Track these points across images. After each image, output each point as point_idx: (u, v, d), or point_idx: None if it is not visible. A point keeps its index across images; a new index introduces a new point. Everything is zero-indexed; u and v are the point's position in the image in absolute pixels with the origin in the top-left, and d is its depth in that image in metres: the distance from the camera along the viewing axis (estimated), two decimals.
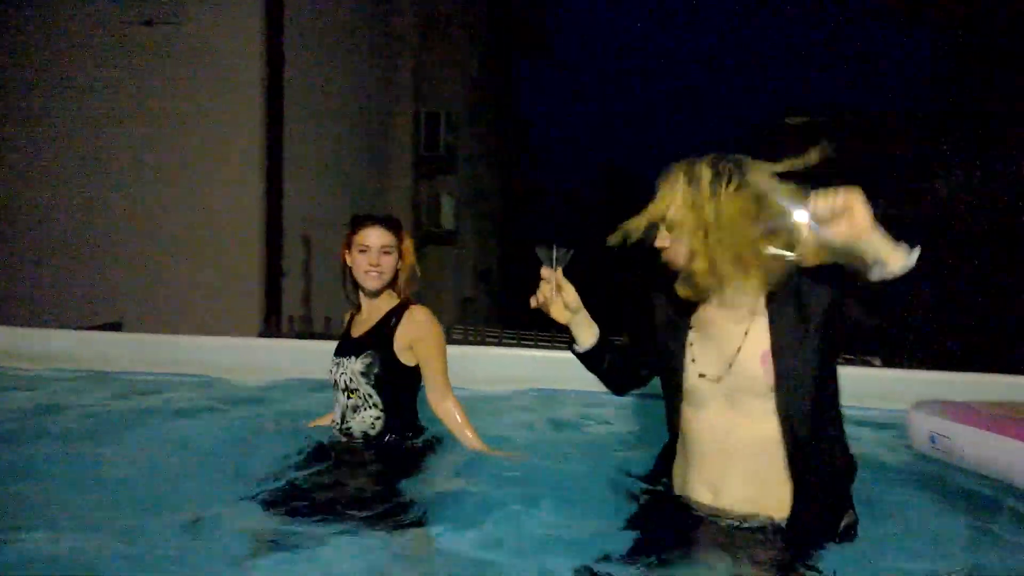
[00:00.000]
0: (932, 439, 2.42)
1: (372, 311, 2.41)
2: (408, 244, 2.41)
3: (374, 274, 2.32)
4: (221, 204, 7.83)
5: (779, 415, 1.69)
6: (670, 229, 1.74)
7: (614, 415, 3.24)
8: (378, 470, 2.22)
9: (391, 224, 2.38)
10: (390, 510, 1.96)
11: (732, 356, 1.73)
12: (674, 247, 1.74)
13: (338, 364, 2.38)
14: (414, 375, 2.38)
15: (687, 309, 1.84)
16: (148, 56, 7.75)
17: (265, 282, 7.97)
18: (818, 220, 1.54)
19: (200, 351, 3.95)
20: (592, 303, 1.95)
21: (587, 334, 1.94)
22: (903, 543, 1.85)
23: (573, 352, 1.98)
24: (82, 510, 1.99)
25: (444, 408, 2.38)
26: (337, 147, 10.57)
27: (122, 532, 1.83)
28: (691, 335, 1.83)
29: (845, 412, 3.23)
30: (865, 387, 3.41)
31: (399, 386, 2.37)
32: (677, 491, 1.86)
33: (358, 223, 2.36)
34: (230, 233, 7.85)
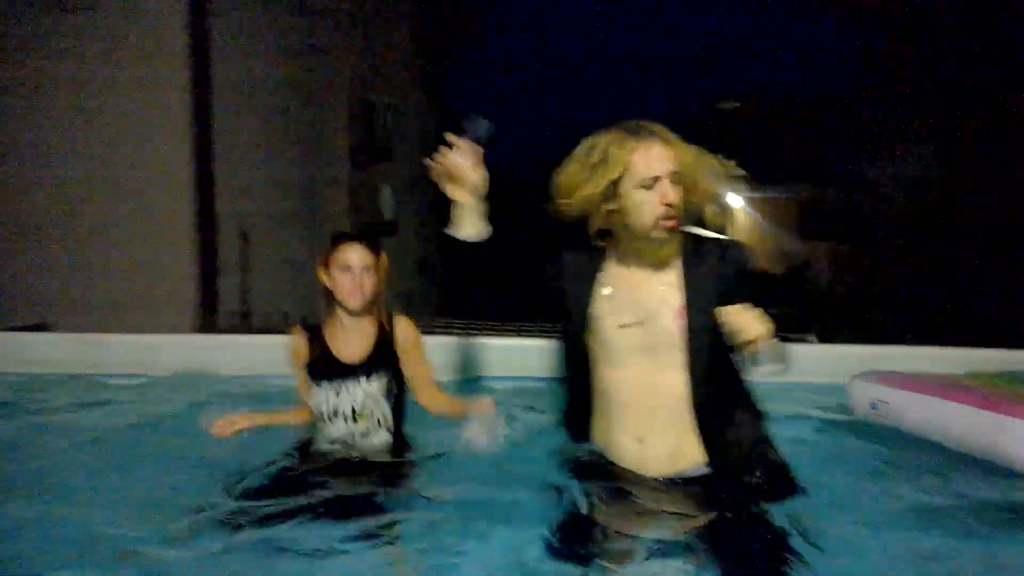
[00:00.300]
0: (872, 405, 2.58)
1: (357, 330, 2.37)
2: (383, 260, 2.40)
3: (358, 294, 2.30)
4: (150, 199, 7.56)
5: (687, 369, 1.80)
6: (677, 182, 1.79)
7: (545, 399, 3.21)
8: (389, 489, 2.12)
9: (372, 242, 2.37)
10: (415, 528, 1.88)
11: (650, 310, 1.82)
12: (677, 200, 1.79)
13: (339, 390, 2.30)
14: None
15: (596, 266, 1.91)
16: (66, 43, 7.41)
17: (200, 277, 7.76)
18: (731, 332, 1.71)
19: (136, 350, 3.82)
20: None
21: (472, 225, 1.88)
22: (844, 499, 1.96)
23: (447, 232, 1.92)
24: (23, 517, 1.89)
25: (437, 401, 2.43)
26: (270, 137, 10.32)
27: (66, 540, 1.76)
28: (605, 290, 1.88)
29: (786, 387, 3.39)
30: (802, 362, 3.63)
31: (402, 401, 2.40)
32: (601, 447, 1.92)
33: (339, 241, 2.34)
34: (161, 228, 7.60)
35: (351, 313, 2.35)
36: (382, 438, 2.32)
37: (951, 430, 2.22)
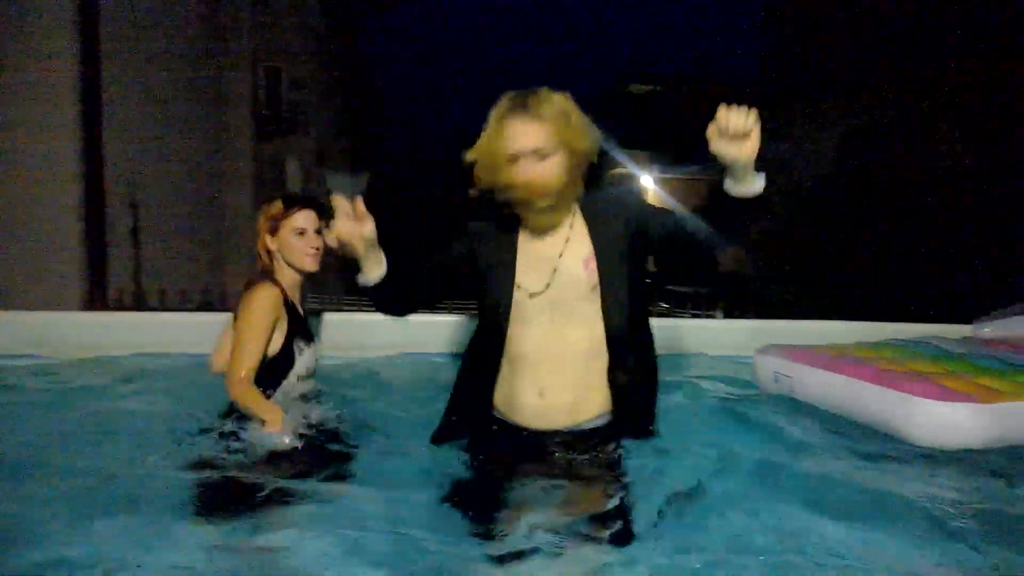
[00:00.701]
0: (775, 378, 2.64)
1: (298, 290, 2.41)
2: (324, 224, 2.36)
3: (314, 255, 2.32)
4: (34, 173, 7.06)
5: (603, 315, 1.86)
6: (542, 156, 1.78)
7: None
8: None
9: (321, 207, 2.38)
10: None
11: (554, 266, 1.86)
12: (545, 174, 1.79)
13: (313, 349, 2.38)
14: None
15: (511, 239, 1.93)
16: None
17: (86, 251, 7.30)
18: (724, 133, 1.65)
19: (22, 327, 3.54)
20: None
21: (377, 264, 1.86)
22: (743, 467, 1.98)
23: (360, 284, 1.89)
24: None
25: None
26: (168, 107, 9.78)
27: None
28: (517, 258, 1.91)
29: (693, 359, 3.47)
30: (709, 336, 3.79)
31: None
32: (501, 403, 1.95)
33: (293, 204, 2.34)
34: (47, 203, 7.10)
35: (303, 276, 2.38)
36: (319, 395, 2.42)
37: (849, 404, 2.33)
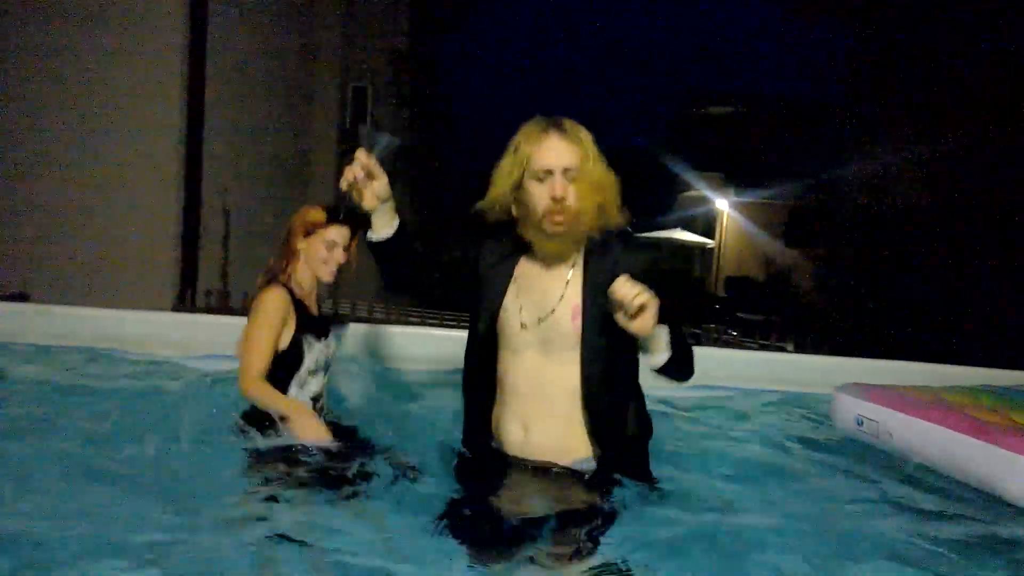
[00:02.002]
0: (858, 421, 2.53)
1: (311, 292, 2.53)
2: (355, 244, 2.49)
3: (334, 270, 2.45)
4: (137, 172, 7.45)
5: (581, 368, 1.84)
6: (571, 179, 1.80)
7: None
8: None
9: (356, 224, 2.45)
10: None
11: (550, 308, 1.86)
12: (571, 196, 1.79)
13: (327, 344, 2.49)
14: None
15: (512, 261, 1.94)
16: (63, 23, 7.27)
17: (181, 254, 7.64)
18: (618, 308, 1.66)
19: (114, 324, 3.74)
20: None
21: (387, 224, 1.91)
22: (821, 518, 1.93)
23: (369, 243, 1.95)
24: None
25: None
26: (260, 119, 10.19)
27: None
28: (513, 285, 1.92)
29: (767, 395, 3.38)
30: (779, 371, 3.66)
31: None
32: (494, 430, 1.96)
33: (333, 219, 2.43)
34: (146, 204, 7.48)
35: (319, 285, 2.53)
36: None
37: (944, 456, 2.18)
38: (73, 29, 7.27)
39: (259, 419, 2.25)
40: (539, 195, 1.80)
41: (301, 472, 2.05)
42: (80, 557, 1.56)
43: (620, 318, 1.67)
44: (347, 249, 2.47)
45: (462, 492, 1.91)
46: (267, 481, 2.01)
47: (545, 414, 1.87)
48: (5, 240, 7.29)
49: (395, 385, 3.24)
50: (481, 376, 1.97)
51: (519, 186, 1.83)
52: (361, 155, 1.80)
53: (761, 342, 10.85)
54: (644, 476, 1.95)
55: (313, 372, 2.43)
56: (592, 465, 1.87)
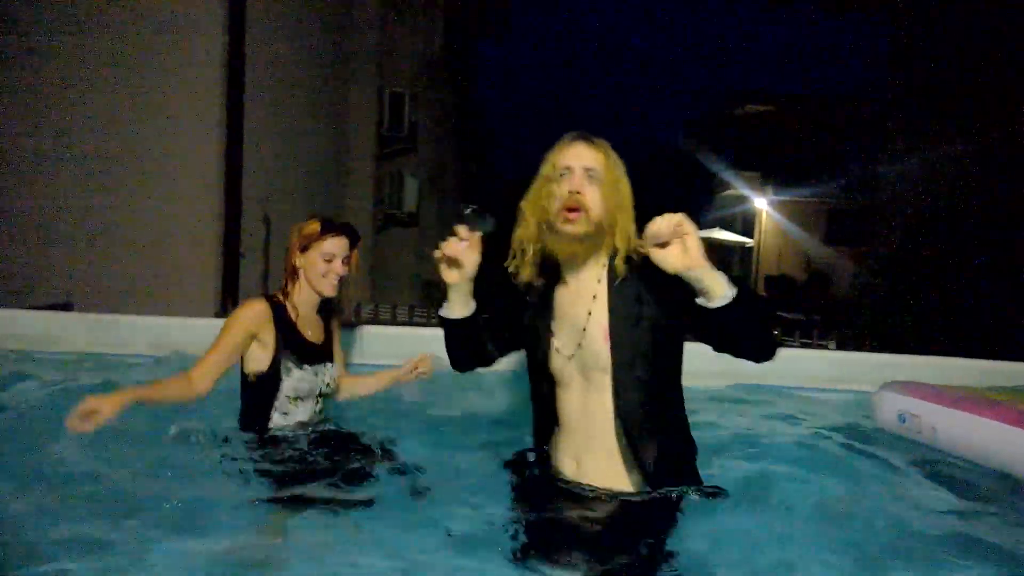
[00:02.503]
0: (901, 418, 2.49)
1: (312, 314, 2.44)
2: (357, 254, 2.46)
3: (335, 283, 2.37)
4: (178, 182, 7.61)
5: (614, 391, 1.78)
6: (591, 179, 1.79)
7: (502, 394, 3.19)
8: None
9: (355, 237, 2.44)
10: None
11: (581, 333, 1.82)
12: (589, 193, 1.78)
13: (318, 372, 2.37)
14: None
15: (550, 293, 1.91)
16: (104, 30, 7.46)
17: (223, 261, 7.79)
18: (654, 242, 1.58)
19: (158, 331, 3.84)
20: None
21: (464, 305, 1.93)
22: (868, 516, 1.89)
23: (441, 318, 1.96)
24: (43, 493, 1.89)
25: (356, 382, 2.65)
26: (298, 125, 10.36)
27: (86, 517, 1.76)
28: (554, 320, 1.89)
29: (805, 394, 3.33)
30: (821, 368, 3.59)
31: None
32: (553, 463, 1.94)
33: (329, 230, 2.36)
34: (188, 212, 7.64)
35: (319, 297, 2.42)
36: (326, 421, 2.44)
37: (993, 450, 2.12)
38: (110, 41, 7.46)
39: (250, 426, 2.27)
40: (557, 192, 1.79)
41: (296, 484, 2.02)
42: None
43: (661, 256, 1.58)
44: (347, 261, 2.39)
45: (516, 511, 1.88)
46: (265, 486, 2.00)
47: (592, 445, 1.84)
48: (50, 251, 7.51)
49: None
50: (542, 413, 1.96)
51: (550, 185, 1.81)
52: (463, 231, 1.84)
53: (803, 340, 10.69)
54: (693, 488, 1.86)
55: (296, 399, 2.32)
56: (643, 498, 1.80)
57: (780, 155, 23.93)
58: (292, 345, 2.32)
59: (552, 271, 1.91)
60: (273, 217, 8.88)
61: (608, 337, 1.79)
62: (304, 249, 2.36)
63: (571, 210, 1.77)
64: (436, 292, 15.15)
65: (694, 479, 1.88)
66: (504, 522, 1.80)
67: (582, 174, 1.79)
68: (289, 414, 2.32)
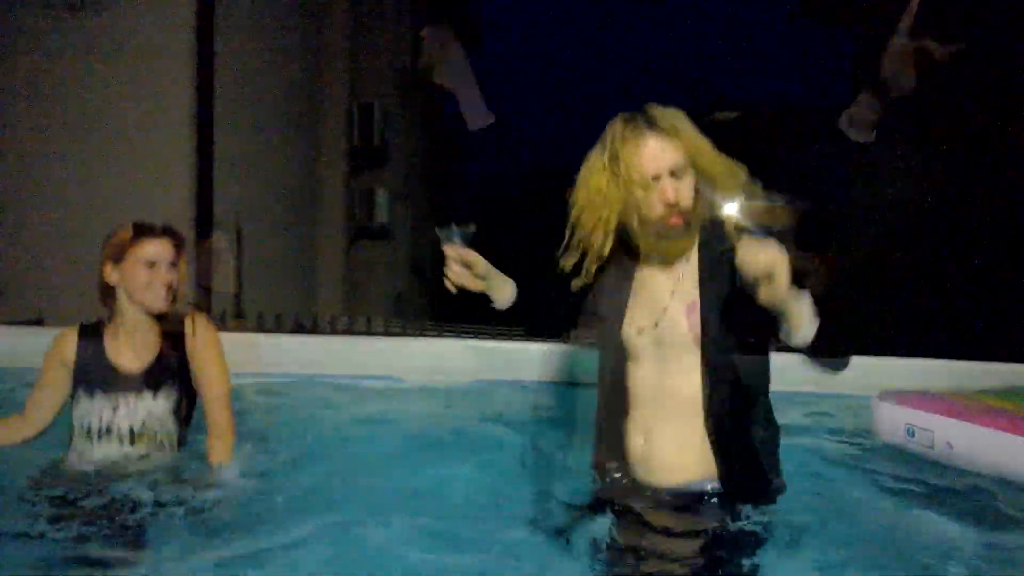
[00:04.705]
0: (909, 431, 2.40)
1: (143, 334, 2.07)
2: (184, 257, 2.14)
3: (163, 293, 2.03)
4: (149, 197, 7.44)
5: (703, 369, 1.70)
6: (678, 176, 1.70)
7: (550, 403, 3.13)
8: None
9: (177, 236, 2.12)
10: None
11: (664, 306, 1.75)
12: (683, 193, 1.70)
13: (116, 405, 1.99)
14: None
15: (629, 270, 1.85)
16: (71, 44, 7.30)
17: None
18: (742, 271, 1.49)
19: None
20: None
21: (505, 292, 1.90)
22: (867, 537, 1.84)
23: (497, 310, 1.93)
24: None
25: (217, 422, 2.07)
26: (268, 139, 10.20)
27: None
28: (632, 296, 1.84)
29: (806, 399, 3.26)
30: (805, 372, 3.48)
31: (189, 420, 2.10)
32: (619, 440, 1.86)
33: (143, 233, 2.05)
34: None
35: (147, 313, 2.06)
36: (164, 460, 2.00)
37: (1016, 465, 2.04)
38: (79, 62, 7.33)
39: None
40: (651, 203, 1.71)
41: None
42: None
43: (756, 289, 1.48)
44: (175, 265, 2.06)
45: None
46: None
47: (664, 423, 1.77)
48: (23, 267, 7.34)
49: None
50: (612, 392, 1.88)
51: (636, 195, 1.73)
52: (450, 251, 1.81)
53: (779, 346, 10.77)
54: (767, 494, 1.79)
55: (88, 435, 1.98)
56: (715, 485, 1.73)
57: (752, 162, 24.24)
58: (89, 371, 2.03)
59: (629, 250, 1.85)
60: (244, 231, 8.73)
61: (695, 311, 1.73)
62: (118, 260, 2.04)
63: (674, 216, 1.71)
64: (405, 302, 15.04)
65: (772, 464, 1.82)
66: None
67: (669, 179, 1.71)
68: (83, 455, 1.98)
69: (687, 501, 1.73)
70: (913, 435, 2.37)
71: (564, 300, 1.94)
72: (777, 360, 1.76)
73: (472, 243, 1.85)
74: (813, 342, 1.54)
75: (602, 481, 1.89)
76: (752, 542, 1.65)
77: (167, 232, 2.09)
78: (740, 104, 26.56)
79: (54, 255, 7.29)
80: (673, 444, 1.75)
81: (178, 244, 2.09)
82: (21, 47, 7.38)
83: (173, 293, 2.06)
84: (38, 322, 6.42)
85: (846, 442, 2.70)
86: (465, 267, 1.81)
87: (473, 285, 1.84)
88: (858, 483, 2.25)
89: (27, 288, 7.15)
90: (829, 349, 1.59)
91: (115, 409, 1.99)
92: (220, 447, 2.03)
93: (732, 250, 1.63)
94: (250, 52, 9.27)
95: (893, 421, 2.47)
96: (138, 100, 7.45)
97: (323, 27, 13.02)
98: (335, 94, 13.32)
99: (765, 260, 1.44)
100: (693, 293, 1.74)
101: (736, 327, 1.69)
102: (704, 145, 1.76)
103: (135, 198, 7.44)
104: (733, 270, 1.60)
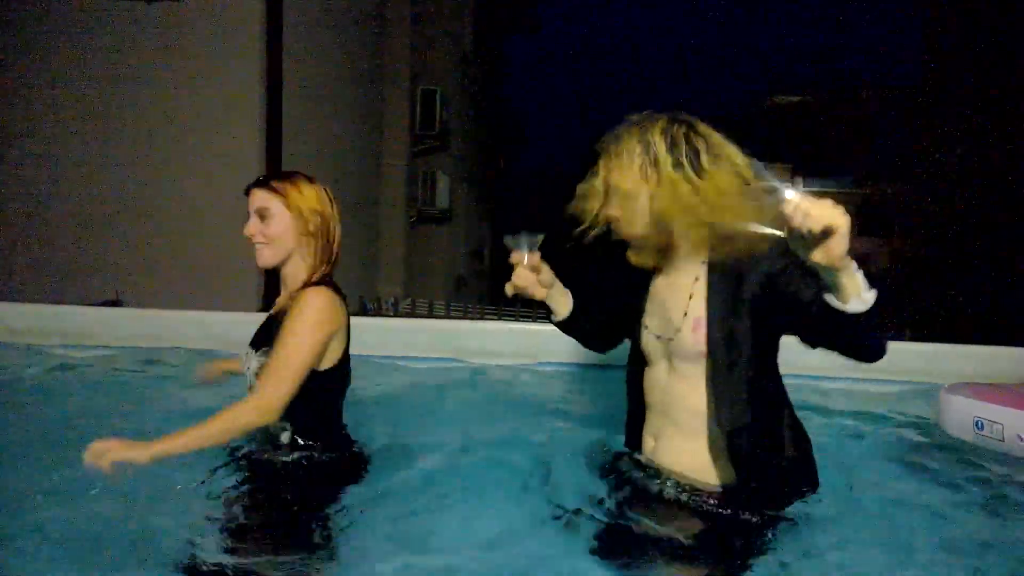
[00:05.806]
0: (978, 424, 2.35)
1: (287, 290, 1.97)
2: (299, 198, 1.92)
3: (257, 246, 1.89)
4: (221, 182, 7.69)
5: (709, 385, 1.71)
6: (623, 199, 1.73)
7: (597, 387, 3.15)
8: (287, 494, 1.83)
9: (266, 182, 1.94)
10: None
11: (677, 322, 1.77)
12: (627, 216, 1.74)
13: (246, 355, 1.94)
14: (312, 377, 1.86)
15: (646, 277, 1.88)
16: (147, 35, 7.58)
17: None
18: (794, 229, 1.35)
19: (205, 326, 3.85)
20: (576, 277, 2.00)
21: (563, 304, 1.98)
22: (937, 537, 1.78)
23: (552, 322, 2.03)
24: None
25: (256, 397, 1.81)
26: (334, 125, 10.42)
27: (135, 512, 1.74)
28: (647, 302, 1.87)
29: (869, 388, 3.15)
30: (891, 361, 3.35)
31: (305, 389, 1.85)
32: (637, 440, 1.92)
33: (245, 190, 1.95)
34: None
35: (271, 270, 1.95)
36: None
37: None
38: (152, 50, 7.59)
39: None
40: (604, 212, 1.80)
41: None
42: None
43: (799, 244, 1.37)
44: (266, 216, 1.90)
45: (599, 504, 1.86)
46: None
47: (673, 430, 1.80)
48: (98, 249, 7.63)
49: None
50: (631, 389, 1.96)
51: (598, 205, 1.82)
52: (517, 258, 1.87)
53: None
54: (781, 503, 1.75)
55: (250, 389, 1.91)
56: (720, 490, 1.73)
57: (811, 146, 23.60)
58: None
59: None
60: None
61: (701, 327, 1.72)
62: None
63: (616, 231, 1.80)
64: (466, 285, 15.19)
65: (797, 479, 1.78)
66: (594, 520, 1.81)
67: (616, 197, 1.77)
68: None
69: (694, 500, 1.74)
70: (982, 428, 2.32)
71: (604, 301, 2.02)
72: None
73: (537, 249, 1.88)
74: (868, 313, 1.41)
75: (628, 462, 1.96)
76: (762, 538, 1.66)
77: (257, 182, 1.96)
78: (803, 86, 25.92)
79: (127, 241, 7.60)
80: (679, 453, 1.78)
81: (271, 189, 1.91)
82: (100, 40, 7.67)
83: (273, 245, 1.90)
84: (115, 303, 6.70)
85: (907, 436, 2.62)
86: (532, 271, 1.88)
87: (538, 294, 1.91)
88: (918, 477, 2.18)
89: (104, 271, 7.47)
90: (881, 324, 1.46)
91: (246, 361, 1.96)
92: (241, 410, 1.79)
93: (742, 273, 1.66)
94: (317, 41, 9.46)
95: (962, 414, 2.41)
96: (209, 88, 7.70)
97: (386, 15, 13.17)
98: (399, 81, 13.51)
99: (824, 215, 1.32)
100: (701, 311, 1.73)
101: (741, 344, 1.67)
102: (655, 173, 1.70)
103: (205, 184, 7.70)
104: (738, 284, 1.64)
